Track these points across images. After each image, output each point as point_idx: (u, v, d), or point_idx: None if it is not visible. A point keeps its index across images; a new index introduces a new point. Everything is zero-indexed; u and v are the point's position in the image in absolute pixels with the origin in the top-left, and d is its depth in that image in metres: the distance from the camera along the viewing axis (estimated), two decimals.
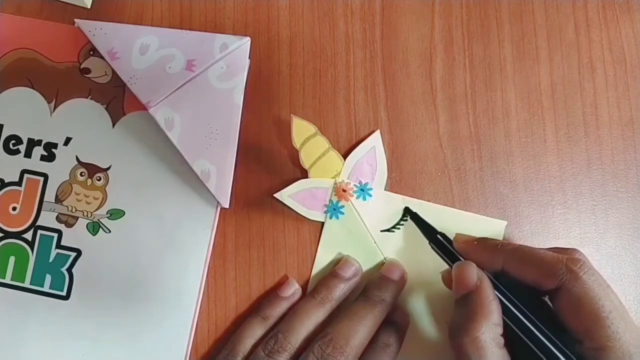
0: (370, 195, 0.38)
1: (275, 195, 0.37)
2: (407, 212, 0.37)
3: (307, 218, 0.38)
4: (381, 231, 0.38)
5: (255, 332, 0.35)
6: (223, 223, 0.38)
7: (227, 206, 0.37)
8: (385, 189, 0.38)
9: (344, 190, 0.38)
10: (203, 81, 0.37)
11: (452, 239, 0.35)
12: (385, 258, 0.37)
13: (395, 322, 0.36)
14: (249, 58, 0.39)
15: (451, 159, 0.39)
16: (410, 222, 0.37)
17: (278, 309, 0.36)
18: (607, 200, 0.39)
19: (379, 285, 0.36)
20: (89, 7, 0.39)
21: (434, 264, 0.35)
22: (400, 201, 0.38)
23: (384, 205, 0.38)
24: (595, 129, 0.40)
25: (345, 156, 0.38)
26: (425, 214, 0.37)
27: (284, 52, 0.39)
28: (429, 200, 0.38)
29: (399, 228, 0.38)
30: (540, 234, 0.39)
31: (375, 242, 0.38)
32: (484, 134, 0.39)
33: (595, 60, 0.40)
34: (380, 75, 0.39)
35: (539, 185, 0.39)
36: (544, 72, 0.40)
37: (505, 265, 0.32)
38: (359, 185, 0.38)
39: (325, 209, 0.38)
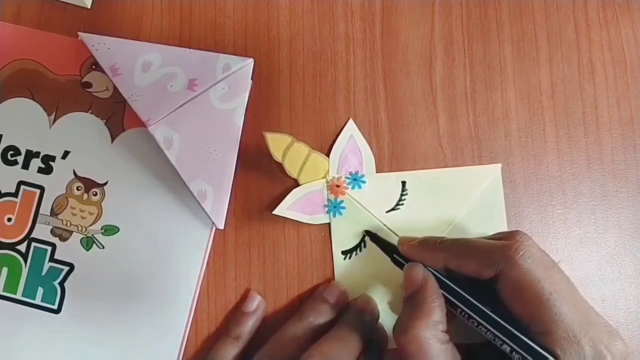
0: (364, 182, 0.38)
1: (274, 212, 0.37)
2: (367, 234, 0.38)
3: (312, 224, 0.38)
4: (386, 212, 0.38)
5: (229, 353, 0.36)
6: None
7: (222, 227, 0.37)
8: (376, 172, 0.38)
9: (338, 186, 0.38)
10: (204, 101, 0.37)
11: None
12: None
13: (375, 340, 0.36)
14: (252, 79, 0.38)
15: (451, 159, 0.39)
16: (413, 196, 0.38)
17: (245, 326, 0.36)
18: (607, 200, 0.39)
19: (360, 312, 0.36)
20: (89, 7, 0.39)
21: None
22: (394, 178, 0.38)
23: (380, 188, 0.38)
24: (595, 129, 0.40)
25: (327, 154, 0.38)
26: (421, 181, 0.38)
27: (284, 52, 0.39)
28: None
29: (402, 204, 0.38)
30: (540, 234, 0.39)
31: (385, 225, 0.38)
32: (484, 134, 0.39)
33: (595, 61, 0.40)
34: (380, 75, 0.39)
35: (539, 185, 0.39)
36: (544, 72, 0.40)
37: (445, 262, 0.32)
38: (349, 176, 0.38)
39: (326, 209, 0.38)
